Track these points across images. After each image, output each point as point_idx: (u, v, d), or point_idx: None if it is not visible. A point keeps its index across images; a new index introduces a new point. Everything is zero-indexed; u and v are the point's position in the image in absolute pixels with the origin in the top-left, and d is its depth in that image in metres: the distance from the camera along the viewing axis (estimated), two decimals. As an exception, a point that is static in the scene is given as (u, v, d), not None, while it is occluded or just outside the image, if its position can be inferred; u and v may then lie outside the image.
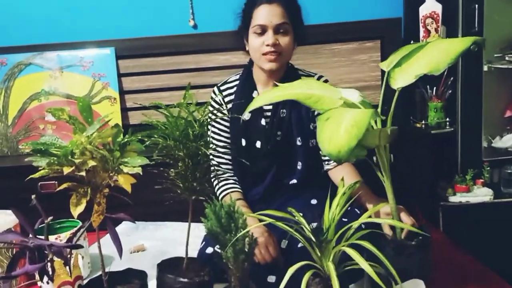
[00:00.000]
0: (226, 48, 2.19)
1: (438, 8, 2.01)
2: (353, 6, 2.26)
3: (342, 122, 0.92)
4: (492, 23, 1.97)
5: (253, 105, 1.15)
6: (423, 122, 2.11)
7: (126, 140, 1.02)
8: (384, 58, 2.21)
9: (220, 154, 1.59)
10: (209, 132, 1.33)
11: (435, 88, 2.07)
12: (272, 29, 1.45)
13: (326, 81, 1.57)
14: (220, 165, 1.58)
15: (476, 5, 1.94)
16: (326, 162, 1.58)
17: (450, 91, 2.05)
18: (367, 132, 0.97)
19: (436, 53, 1.00)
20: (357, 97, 1.09)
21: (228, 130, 1.59)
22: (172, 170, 1.12)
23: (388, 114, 1.09)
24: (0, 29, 2.23)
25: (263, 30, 1.45)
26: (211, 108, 1.57)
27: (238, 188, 1.56)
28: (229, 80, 1.63)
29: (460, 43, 0.98)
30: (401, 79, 1.03)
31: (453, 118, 2.06)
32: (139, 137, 1.05)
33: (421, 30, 2.05)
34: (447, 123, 2.08)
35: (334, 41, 2.22)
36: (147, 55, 2.22)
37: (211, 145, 1.15)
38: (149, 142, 1.09)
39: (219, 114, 1.57)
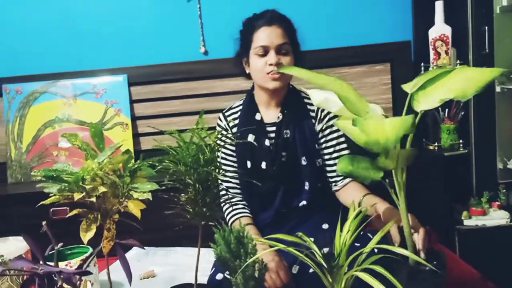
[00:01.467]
0: (236, 74, 2.17)
1: (448, 31, 2.02)
2: (362, 30, 2.28)
3: (383, 119, 0.95)
4: (502, 44, 1.97)
5: (288, 69, 1.15)
6: (436, 144, 2.09)
7: (136, 165, 1.03)
8: (394, 80, 2.23)
9: (228, 179, 1.59)
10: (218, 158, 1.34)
11: (447, 110, 2.06)
12: (274, 49, 1.48)
13: None
14: (229, 190, 1.58)
15: (486, 27, 1.94)
16: (334, 184, 1.57)
17: (462, 113, 2.04)
18: (386, 151, 0.97)
19: (463, 80, 0.99)
20: (381, 112, 1.10)
21: (234, 154, 1.60)
22: (182, 195, 1.12)
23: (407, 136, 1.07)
24: (15, 58, 2.29)
25: (265, 51, 1.49)
26: (218, 135, 1.58)
27: (248, 213, 1.55)
28: (233, 106, 1.66)
29: (489, 73, 0.98)
30: (425, 103, 1.03)
31: (467, 140, 2.04)
32: (150, 163, 1.06)
33: (431, 52, 2.05)
34: (461, 145, 2.06)
35: (344, 64, 2.23)
36: (159, 81, 2.25)
37: (220, 170, 1.15)
38: (160, 167, 1.10)
39: (227, 140, 1.58)
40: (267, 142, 1.55)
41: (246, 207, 1.57)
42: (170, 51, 2.29)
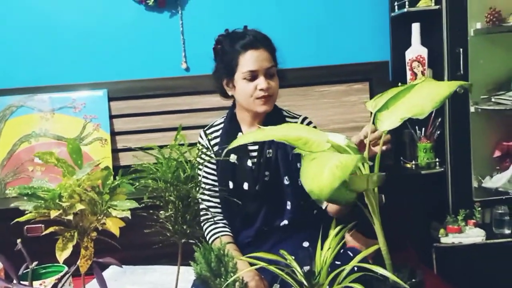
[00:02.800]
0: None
1: (424, 52, 2.07)
2: (341, 49, 2.32)
3: (327, 164, 0.92)
4: (477, 66, 2.03)
5: (238, 142, 1.13)
6: (413, 162, 2.13)
7: (116, 182, 1.01)
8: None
9: (209, 198, 1.58)
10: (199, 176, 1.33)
11: (423, 128, 2.10)
12: (263, 73, 1.47)
13: (310, 122, 1.59)
14: (209, 209, 1.57)
15: (461, 49, 2.00)
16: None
17: (439, 132, 2.08)
18: (355, 177, 0.97)
19: (421, 97, 1.00)
20: (344, 141, 1.10)
21: (215, 173, 1.59)
22: (162, 212, 1.11)
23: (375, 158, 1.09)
24: (-8, 71, 2.25)
25: (253, 75, 1.47)
26: (199, 153, 1.57)
27: (228, 231, 1.54)
28: (214, 124, 1.64)
29: (446, 87, 0.99)
30: (387, 122, 1.04)
31: (443, 158, 2.08)
32: (129, 180, 1.04)
33: (408, 73, 2.10)
34: (437, 164, 2.09)
35: (323, 83, 2.26)
36: (139, 97, 2.24)
37: (200, 189, 1.14)
38: (140, 185, 1.08)
39: (206, 158, 1.57)
40: (249, 163, 1.54)
41: (226, 226, 1.56)
42: (151, 67, 2.28)
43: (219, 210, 1.58)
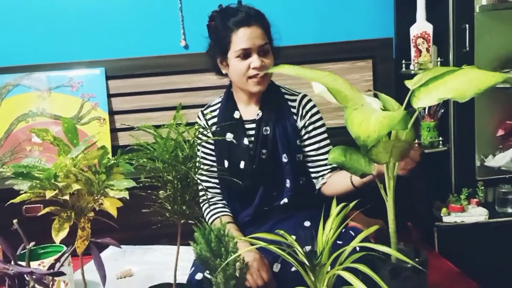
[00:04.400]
0: (217, 68, 2.18)
1: (429, 28, 2.02)
2: (344, 26, 2.27)
3: (373, 113, 0.93)
4: (483, 42, 1.99)
5: (276, 69, 1.08)
6: (417, 141, 2.10)
7: (113, 162, 0.99)
8: (376, 77, 2.23)
9: (208, 178, 1.56)
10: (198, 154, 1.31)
11: (427, 107, 2.06)
12: (256, 51, 1.44)
13: (310, 100, 1.56)
14: (208, 190, 1.55)
15: (467, 25, 1.95)
16: (321, 177, 1.54)
17: (442, 110, 2.05)
18: (380, 143, 0.95)
19: (464, 82, 0.98)
20: (378, 106, 1.08)
21: (213, 153, 1.57)
22: (161, 192, 1.09)
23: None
24: (-13, 49, 2.21)
25: (246, 53, 1.44)
26: (197, 134, 1.55)
27: (228, 211, 1.53)
28: (212, 104, 1.62)
29: (492, 77, 0.97)
30: (424, 100, 1.02)
31: (446, 137, 2.05)
32: (127, 159, 1.02)
33: (413, 50, 2.05)
34: (440, 142, 2.07)
35: (327, 60, 2.21)
36: (138, 75, 2.20)
37: (199, 170, 1.12)
38: (137, 164, 1.06)
39: (204, 138, 1.55)
40: (245, 141, 1.52)
41: (226, 206, 1.55)
42: (150, 44, 2.23)
43: (218, 191, 1.57)
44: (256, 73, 1.44)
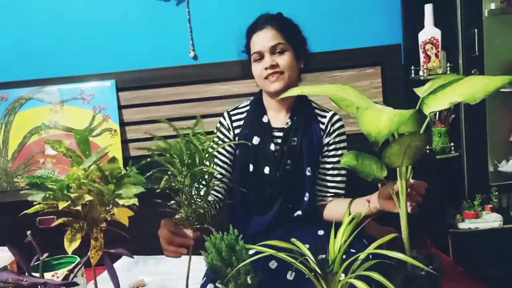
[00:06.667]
0: (226, 78, 2.19)
1: (437, 34, 2.01)
2: (352, 33, 2.27)
3: (384, 111, 0.95)
4: (492, 47, 1.97)
5: (286, 94, 1.13)
6: (428, 147, 2.08)
7: (123, 172, 1.00)
8: (385, 83, 2.22)
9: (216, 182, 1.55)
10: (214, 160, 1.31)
11: (438, 112, 2.05)
12: (268, 52, 1.47)
13: (339, 119, 1.56)
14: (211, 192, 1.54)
15: (476, 30, 1.94)
16: (321, 198, 1.55)
17: (453, 116, 2.03)
18: (395, 142, 0.97)
19: (473, 85, 1.01)
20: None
21: (229, 156, 1.56)
22: (176, 198, 1.08)
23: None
24: (0, 64, 2.24)
25: (260, 56, 1.49)
26: (218, 134, 1.55)
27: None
28: (240, 106, 1.62)
29: (499, 79, 1.01)
30: (434, 105, 1.04)
31: (458, 143, 2.03)
32: (139, 170, 1.03)
33: (421, 55, 2.05)
34: (452, 148, 2.05)
35: (335, 68, 2.21)
36: (147, 86, 2.22)
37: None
38: (151, 173, 1.06)
39: (225, 140, 1.55)
40: (272, 147, 1.51)
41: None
42: (159, 56, 2.26)
43: (219, 195, 1.54)
44: (269, 73, 1.46)
